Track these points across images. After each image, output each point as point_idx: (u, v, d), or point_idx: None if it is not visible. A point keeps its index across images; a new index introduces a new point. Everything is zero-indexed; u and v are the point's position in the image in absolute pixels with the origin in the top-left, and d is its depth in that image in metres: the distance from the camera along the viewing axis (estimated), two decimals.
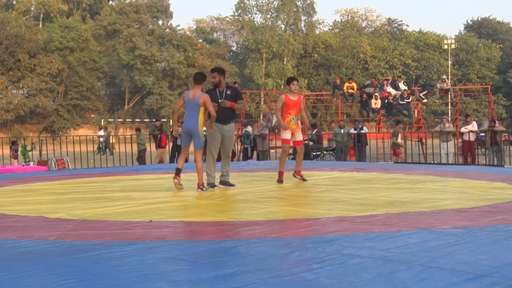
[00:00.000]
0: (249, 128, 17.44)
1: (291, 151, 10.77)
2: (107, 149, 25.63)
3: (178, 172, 7.32)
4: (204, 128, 7.68)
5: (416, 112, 21.41)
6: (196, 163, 7.44)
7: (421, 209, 5.20)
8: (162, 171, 11.19)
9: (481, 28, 69.20)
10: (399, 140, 15.58)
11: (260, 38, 55.69)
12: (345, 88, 22.04)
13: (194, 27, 65.09)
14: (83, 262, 3.23)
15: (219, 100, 7.59)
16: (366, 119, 20.95)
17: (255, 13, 59.03)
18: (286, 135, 8.19)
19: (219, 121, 7.61)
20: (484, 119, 21.81)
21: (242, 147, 17.93)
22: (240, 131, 17.90)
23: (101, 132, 30.17)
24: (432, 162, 16.15)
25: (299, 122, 8.71)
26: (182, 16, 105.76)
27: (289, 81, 8.25)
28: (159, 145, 17.65)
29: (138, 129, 18.89)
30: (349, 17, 65.95)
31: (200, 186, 7.23)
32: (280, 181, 8.09)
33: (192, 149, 7.64)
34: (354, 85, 22.41)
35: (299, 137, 8.29)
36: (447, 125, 15.74)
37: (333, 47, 60.74)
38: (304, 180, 8.22)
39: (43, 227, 4.59)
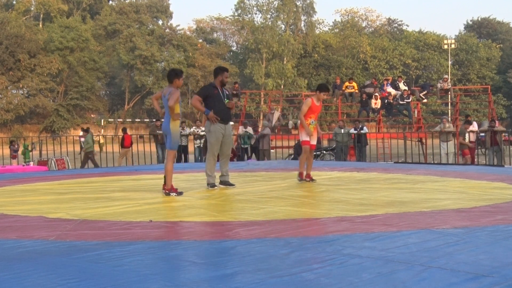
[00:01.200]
0: (249, 129, 17.46)
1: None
2: None
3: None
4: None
5: (416, 112, 21.41)
6: (165, 164, 6.97)
7: (421, 209, 5.19)
8: (162, 171, 11.16)
9: (481, 28, 69.22)
10: (467, 140, 15.32)
11: (260, 38, 55.72)
12: (344, 87, 22.02)
13: (194, 27, 65.14)
14: (83, 262, 3.23)
15: (227, 101, 7.56)
16: (366, 119, 20.95)
17: (255, 13, 59.12)
18: (306, 136, 8.25)
19: (222, 121, 7.57)
20: (484, 119, 21.80)
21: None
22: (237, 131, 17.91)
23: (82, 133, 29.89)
24: (432, 162, 16.14)
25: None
26: (182, 16, 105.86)
27: (322, 89, 8.28)
28: (122, 145, 17.75)
29: (85, 130, 18.53)
30: (349, 17, 65.97)
31: (167, 190, 6.71)
32: (300, 179, 8.21)
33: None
34: (354, 84, 22.40)
35: (314, 141, 8.39)
36: (447, 125, 15.74)
37: (333, 47, 60.76)
38: (313, 180, 8.25)
39: (43, 227, 4.59)
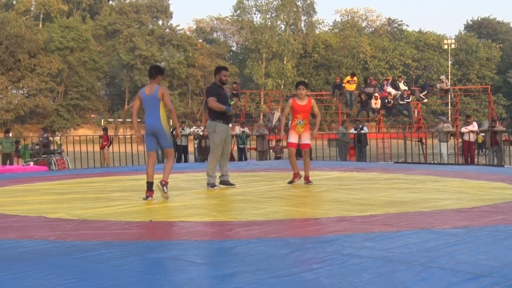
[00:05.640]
0: (246, 129, 17.47)
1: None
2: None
3: (150, 187, 6.42)
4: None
5: (416, 112, 21.41)
6: (166, 162, 6.59)
7: (421, 209, 5.19)
8: (162, 171, 11.16)
9: (481, 28, 69.26)
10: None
11: (259, 38, 55.71)
12: (346, 81, 21.53)
13: (194, 27, 65.17)
14: (83, 262, 3.23)
15: (232, 102, 7.64)
16: (366, 119, 20.93)
17: (254, 13, 59.13)
18: (292, 138, 8.06)
19: (226, 121, 7.59)
20: (484, 119, 21.78)
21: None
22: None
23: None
24: (432, 162, 16.15)
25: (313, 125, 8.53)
26: (182, 16, 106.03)
27: (297, 85, 8.11)
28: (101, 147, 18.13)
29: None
30: (349, 17, 66.03)
31: (163, 182, 6.35)
32: (292, 182, 7.99)
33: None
34: (356, 79, 21.88)
35: (305, 140, 8.11)
36: (440, 125, 15.73)
37: (333, 47, 60.79)
38: (310, 182, 7.94)
39: (43, 227, 4.59)
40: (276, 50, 55.65)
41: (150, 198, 6.33)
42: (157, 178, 6.46)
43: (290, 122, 8.55)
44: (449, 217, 4.69)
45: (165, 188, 6.36)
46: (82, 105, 51.53)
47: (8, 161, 16.76)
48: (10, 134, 18.10)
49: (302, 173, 8.14)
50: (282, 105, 28.54)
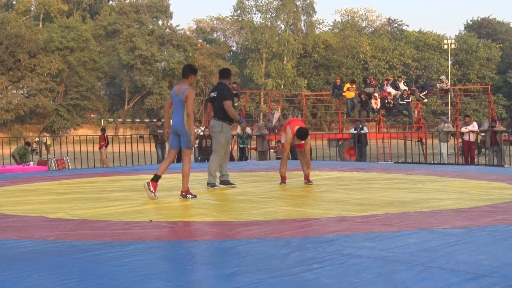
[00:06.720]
0: (248, 129, 17.46)
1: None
2: None
3: (154, 178, 6.40)
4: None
5: (416, 112, 21.40)
6: (182, 166, 6.55)
7: (421, 209, 5.19)
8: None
9: (481, 28, 69.26)
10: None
11: (259, 38, 55.72)
12: (346, 89, 21.61)
13: (194, 27, 65.16)
14: (83, 262, 3.23)
15: (236, 104, 7.76)
16: (366, 119, 20.92)
17: (254, 13, 59.14)
18: (284, 139, 8.10)
19: (231, 123, 7.65)
20: (484, 119, 21.75)
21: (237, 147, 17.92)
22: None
23: None
24: (432, 162, 16.15)
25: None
26: (182, 16, 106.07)
27: (302, 137, 7.82)
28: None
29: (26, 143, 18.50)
30: (349, 17, 66.01)
31: (183, 193, 6.36)
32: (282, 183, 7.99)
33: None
34: (355, 86, 21.93)
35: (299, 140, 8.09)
36: (441, 126, 15.73)
37: (333, 47, 60.79)
38: (310, 182, 7.93)
39: (43, 227, 4.59)
40: (276, 50, 55.65)
41: (151, 189, 6.27)
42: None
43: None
44: (449, 217, 4.70)
45: (189, 196, 6.33)
46: (82, 105, 51.52)
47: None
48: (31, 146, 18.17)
49: (288, 174, 8.08)
50: (282, 105, 28.55)
